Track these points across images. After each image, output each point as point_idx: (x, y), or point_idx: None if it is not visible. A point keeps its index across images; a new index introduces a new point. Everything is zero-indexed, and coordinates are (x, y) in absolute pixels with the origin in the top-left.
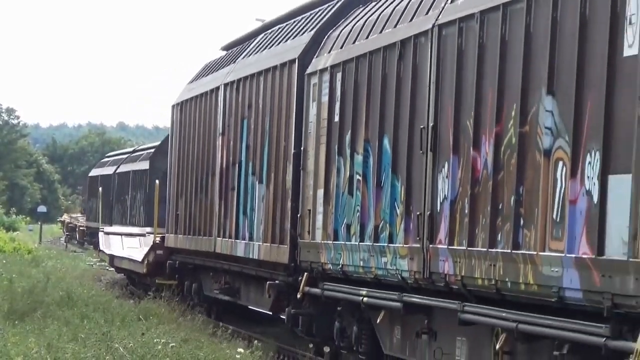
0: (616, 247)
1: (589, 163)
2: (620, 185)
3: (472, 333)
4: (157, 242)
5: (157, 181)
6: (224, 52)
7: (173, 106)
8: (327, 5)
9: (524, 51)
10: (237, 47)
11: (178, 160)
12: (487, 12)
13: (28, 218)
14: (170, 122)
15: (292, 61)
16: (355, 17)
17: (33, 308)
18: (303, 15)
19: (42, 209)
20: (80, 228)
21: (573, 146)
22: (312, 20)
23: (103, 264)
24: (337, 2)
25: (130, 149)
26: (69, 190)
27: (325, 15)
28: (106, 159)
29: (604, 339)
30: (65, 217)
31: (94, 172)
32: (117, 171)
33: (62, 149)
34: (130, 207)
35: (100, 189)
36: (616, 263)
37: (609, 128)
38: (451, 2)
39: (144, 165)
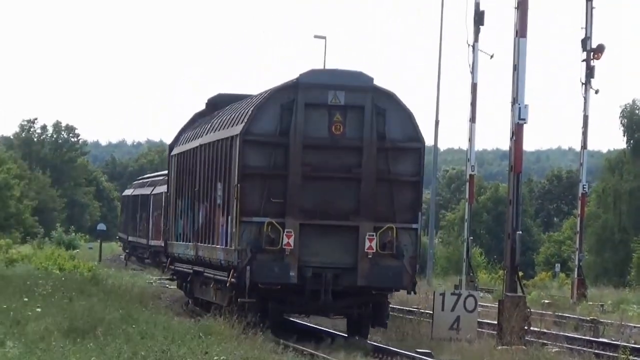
0: (222, 243)
1: (229, 210)
2: (230, 222)
3: (213, 282)
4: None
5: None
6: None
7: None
8: (190, 119)
9: (216, 163)
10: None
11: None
12: (211, 144)
13: (87, 236)
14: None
15: (169, 147)
16: (194, 126)
17: (93, 326)
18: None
19: (101, 226)
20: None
21: (223, 204)
22: (185, 124)
23: (163, 281)
24: (189, 119)
25: (153, 174)
26: None
27: (187, 121)
28: (136, 182)
29: (228, 277)
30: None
31: (125, 192)
32: (133, 193)
33: (121, 167)
34: (139, 222)
35: (125, 207)
36: (222, 249)
37: (229, 196)
38: (206, 134)
39: (148, 191)
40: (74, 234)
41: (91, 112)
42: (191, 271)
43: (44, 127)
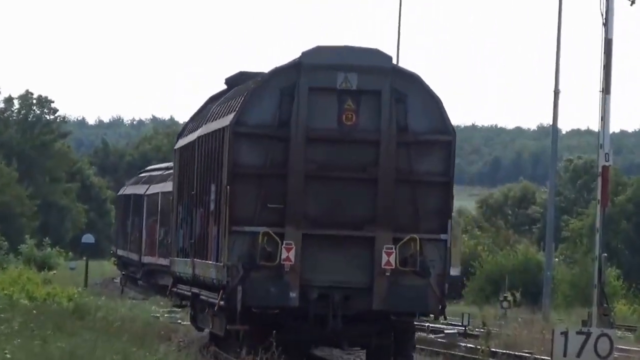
0: (214, 258)
1: (220, 218)
2: (220, 232)
3: (207, 306)
4: None
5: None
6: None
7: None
8: (202, 105)
9: (210, 160)
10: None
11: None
12: (206, 137)
13: (69, 252)
14: None
15: (177, 137)
16: (197, 118)
17: None
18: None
19: (88, 238)
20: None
21: (215, 210)
22: (199, 108)
23: (175, 314)
24: (202, 105)
25: (153, 167)
26: None
27: (194, 113)
28: (134, 178)
29: (218, 300)
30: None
31: (121, 192)
32: (125, 192)
33: (116, 155)
34: (130, 232)
35: (117, 211)
36: (214, 265)
37: (221, 201)
38: (205, 123)
39: (142, 190)
40: (49, 248)
41: (73, 81)
42: (190, 294)
43: (8, 100)
